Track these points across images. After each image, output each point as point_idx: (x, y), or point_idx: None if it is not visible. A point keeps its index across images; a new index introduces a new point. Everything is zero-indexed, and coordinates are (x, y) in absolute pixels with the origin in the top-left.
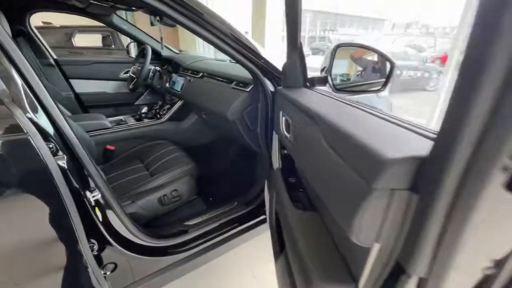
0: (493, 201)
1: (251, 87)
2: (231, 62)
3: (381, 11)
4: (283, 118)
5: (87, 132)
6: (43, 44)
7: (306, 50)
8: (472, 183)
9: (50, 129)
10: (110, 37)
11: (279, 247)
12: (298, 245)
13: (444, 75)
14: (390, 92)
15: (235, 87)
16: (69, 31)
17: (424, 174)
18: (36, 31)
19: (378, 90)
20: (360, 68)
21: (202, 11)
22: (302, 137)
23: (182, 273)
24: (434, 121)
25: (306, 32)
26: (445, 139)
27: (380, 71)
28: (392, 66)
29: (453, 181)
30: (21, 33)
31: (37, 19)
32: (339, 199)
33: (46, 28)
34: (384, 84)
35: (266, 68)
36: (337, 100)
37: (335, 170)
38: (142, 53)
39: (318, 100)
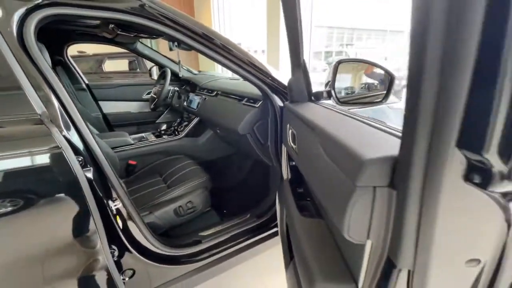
0: (454, 192)
1: (260, 103)
2: (244, 80)
3: (398, 23)
4: (290, 131)
5: (112, 148)
6: (77, 71)
7: (322, 64)
8: (433, 177)
9: (80, 145)
10: (135, 61)
11: (289, 256)
12: (303, 249)
13: None
14: None
15: (245, 103)
16: (100, 58)
17: (398, 171)
18: (71, 60)
19: (380, 102)
20: (363, 82)
21: (213, 36)
22: (305, 147)
23: (196, 283)
24: None
25: (323, 47)
26: (406, 138)
27: (382, 84)
28: (392, 78)
29: (418, 176)
30: (59, 63)
31: (73, 49)
32: (333, 199)
33: (81, 57)
34: (385, 96)
35: (274, 85)
36: (335, 111)
37: (330, 174)
38: (162, 75)
39: (318, 112)
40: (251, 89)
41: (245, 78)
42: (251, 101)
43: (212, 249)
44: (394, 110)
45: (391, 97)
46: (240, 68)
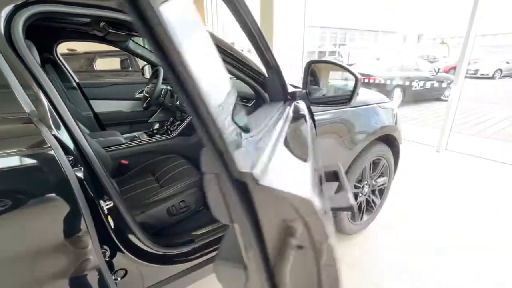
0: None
1: (253, 102)
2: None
3: (390, 24)
4: None
5: (104, 148)
6: (67, 70)
7: None
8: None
9: (70, 144)
10: (128, 60)
11: None
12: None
13: (454, 84)
14: (403, 103)
15: (239, 102)
16: (91, 56)
17: None
18: (61, 58)
19: (345, 104)
20: (336, 83)
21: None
22: None
23: (188, 282)
24: (446, 131)
25: (316, 47)
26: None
27: (349, 85)
28: (356, 80)
29: (218, 168)
30: (48, 61)
31: (63, 47)
32: None
33: (71, 55)
34: (350, 98)
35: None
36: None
37: None
38: (155, 74)
39: (266, 113)
40: (244, 89)
41: (238, 78)
42: (244, 100)
43: (205, 248)
44: (385, 110)
45: (381, 97)
46: (233, 68)
